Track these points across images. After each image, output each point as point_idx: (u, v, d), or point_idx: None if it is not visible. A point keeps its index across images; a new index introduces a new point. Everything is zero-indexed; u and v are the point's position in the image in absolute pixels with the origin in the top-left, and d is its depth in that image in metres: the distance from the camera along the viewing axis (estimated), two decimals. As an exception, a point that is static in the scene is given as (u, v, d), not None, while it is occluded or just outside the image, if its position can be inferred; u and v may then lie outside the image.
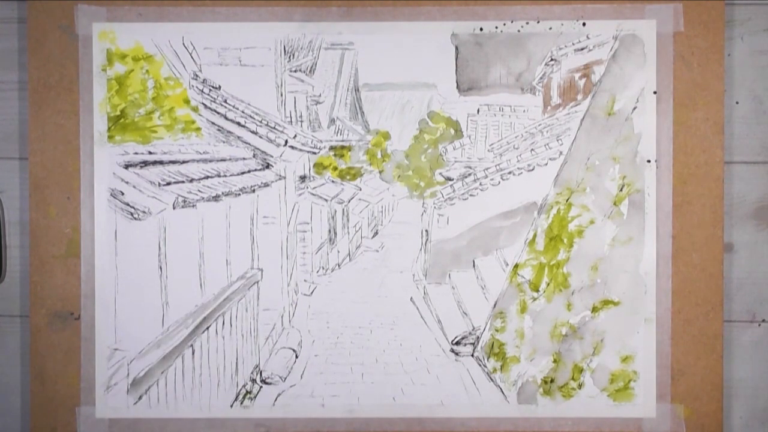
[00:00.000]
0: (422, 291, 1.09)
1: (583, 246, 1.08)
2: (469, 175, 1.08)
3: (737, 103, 1.09)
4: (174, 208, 1.06)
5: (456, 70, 1.07)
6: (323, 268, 1.11)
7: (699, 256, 1.06)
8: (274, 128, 1.08)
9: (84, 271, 1.06)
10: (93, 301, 1.06)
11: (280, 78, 1.08)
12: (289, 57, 1.07)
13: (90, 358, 1.06)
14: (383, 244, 1.10)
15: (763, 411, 1.11)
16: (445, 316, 1.09)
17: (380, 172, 1.09)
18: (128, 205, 1.06)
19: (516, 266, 1.08)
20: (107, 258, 1.06)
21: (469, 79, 1.08)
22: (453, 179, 1.08)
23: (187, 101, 1.07)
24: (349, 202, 1.11)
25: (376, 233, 1.12)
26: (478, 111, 1.08)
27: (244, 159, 1.08)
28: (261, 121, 1.07)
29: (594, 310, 1.08)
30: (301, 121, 1.08)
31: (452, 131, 1.08)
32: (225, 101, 1.07)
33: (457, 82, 1.07)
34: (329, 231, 1.12)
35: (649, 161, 1.06)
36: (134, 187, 1.06)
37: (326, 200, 1.10)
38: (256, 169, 1.09)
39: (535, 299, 1.08)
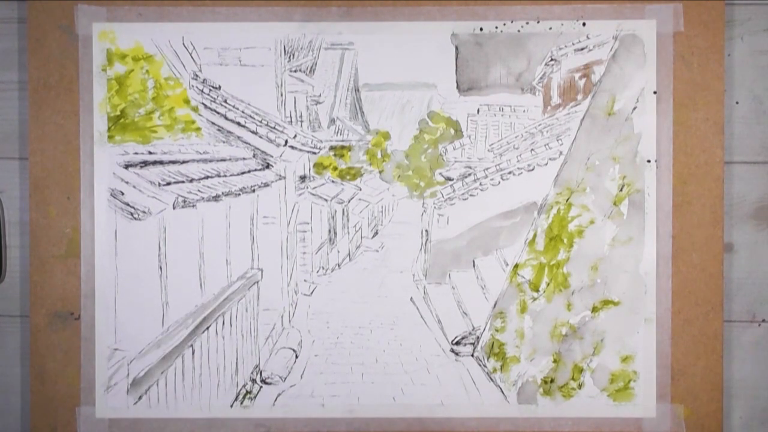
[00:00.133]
0: (422, 291, 1.09)
1: (583, 246, 1.08)
2: (469, 175, 1.08)
3: (737, 103, 1.09)
4: (174, 208, 1.06)
5: (456, 70, 1.07)
6: (323, 268, 1.11)
7: (699, 256, 1.06)
8: (274, 128, 1.08)
9: (84, 271, 1.06)
10: (93, 301, 1.06)
11: (280, 78, 1.07)
12: (289, 57, 1.07)
13: (90, 358, 1.06)
14: (383, 244, 1.10)
15: (763, 411, 1.11)
16: (445, 316, 1.09)
17: (380, 172, 1.09)
18: (128, 205, 1.06)
19: (516, 266, 1.08)
20: (107, 258, 1.06)
21: (469, 79, 1.08)
22: (453, 179, 1.08)
23: (187, 101, 1.07)
24: (349, 202, 1.11)
25: (376, 233, 1.12)
26: (478, 111, 1.08)
27: (244, 159, 1.08)
28: (261, 121, 1.07)
29: (594, 310, 1.08)
30: (301, 121, 1.08)
31: (452, 131, 1.08)
32: (225, 101, 1.07)
33: (457, 82, 1.07)
34: (329, 231, 1.12)
35: (649, 161, 1.06)
36: (134, 187, 1.06)
37: (326, 200, 1.10)
38: (256, 169, 1.09)
39: (535, 299, 1.08)
